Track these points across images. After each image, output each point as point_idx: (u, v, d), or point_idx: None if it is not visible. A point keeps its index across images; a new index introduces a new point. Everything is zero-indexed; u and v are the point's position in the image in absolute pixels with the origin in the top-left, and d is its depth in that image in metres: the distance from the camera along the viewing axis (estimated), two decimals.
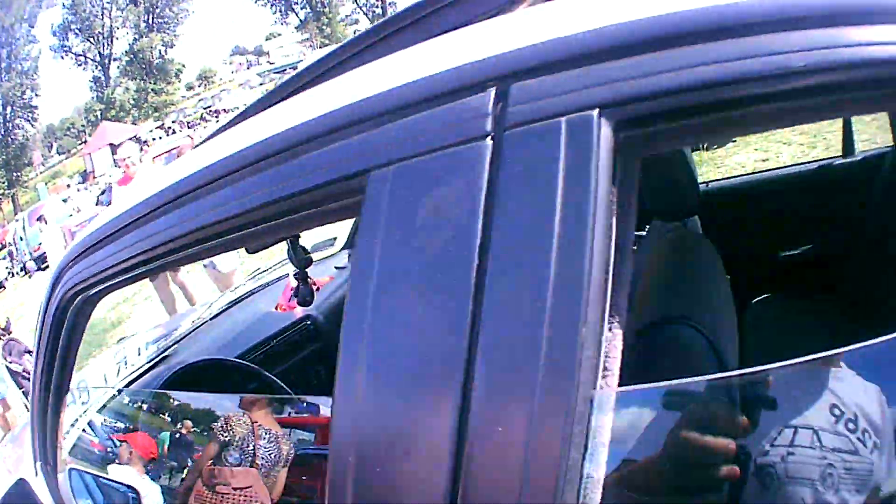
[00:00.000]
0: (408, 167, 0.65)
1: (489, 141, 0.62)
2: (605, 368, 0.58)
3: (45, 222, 15.76)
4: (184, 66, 46.18)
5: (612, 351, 0.60)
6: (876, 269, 1.80)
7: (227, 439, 1.03)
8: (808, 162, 2.48)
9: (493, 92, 0.63)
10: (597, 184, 0.57)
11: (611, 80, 0.58)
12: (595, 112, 0.58)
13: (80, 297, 1.11)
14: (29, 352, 5.06)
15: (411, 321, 0.63)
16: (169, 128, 35.96)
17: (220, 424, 1.05)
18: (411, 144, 0.66)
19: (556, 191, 0.58)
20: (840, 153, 2.30)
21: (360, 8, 39.99)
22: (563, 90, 0.60)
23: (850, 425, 0.58)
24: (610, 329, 0.59)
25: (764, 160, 6.24)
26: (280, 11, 44.95)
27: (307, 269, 1.42)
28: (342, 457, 0.66)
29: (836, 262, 2.07)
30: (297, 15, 44.27)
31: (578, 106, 0.59)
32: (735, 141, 6.99)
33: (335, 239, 3.03)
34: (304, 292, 1.45)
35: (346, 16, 41.46)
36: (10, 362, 5.16)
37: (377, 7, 37.57)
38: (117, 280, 1.03)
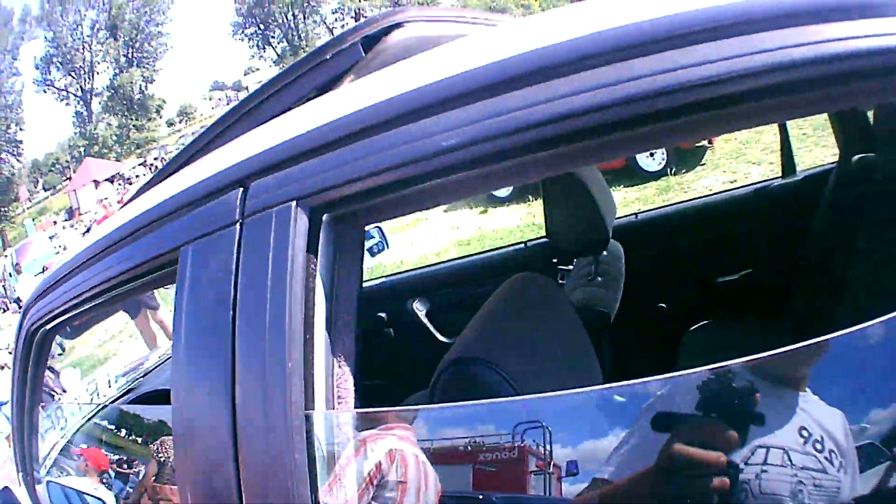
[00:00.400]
0: (197, 245, 0.88)
1: (237, 227, 0.83)
2: (339, 397, 0.79)
3: (21, 272, 15.96)
4: (164, 101, 45.81)
5: (342, 383, 0.79)
6: (818, 292, 1.73)
7: (163, 459, 1.14)
8: (747, 185, 2.40)
9: (241, 188, 0.85)
10: (293, 257, 0.77)
11: (302, 177, 0.79)
12: (293, 203, 0.78)
13: (40, 331, 1.31)
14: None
15: (203, 352, 0.84)
16: (151, 164, 35.53)
17: (155, 447, 1.16)
18: (198, 229, 0.88)
19: (267, 263, 0.78)
20: (811, 168, 2.23)
21: None
22: (275, 187, 0.81)
23: (818, 446, 0.61)
24: (339, 366, 0.79)
25: (732, 181, 6.26)
26: (257, 45, 44.81)
27: None
28: (180, 447, 0.88)
29: (776, 286, 2.00)
30: (274, 49, 44.21)
31: (280, 199, 0.80)
32: (704, 164, 7.10)
33: None
34: None
35: None
36: None
37: None
38: (68, 316, 1.22)
